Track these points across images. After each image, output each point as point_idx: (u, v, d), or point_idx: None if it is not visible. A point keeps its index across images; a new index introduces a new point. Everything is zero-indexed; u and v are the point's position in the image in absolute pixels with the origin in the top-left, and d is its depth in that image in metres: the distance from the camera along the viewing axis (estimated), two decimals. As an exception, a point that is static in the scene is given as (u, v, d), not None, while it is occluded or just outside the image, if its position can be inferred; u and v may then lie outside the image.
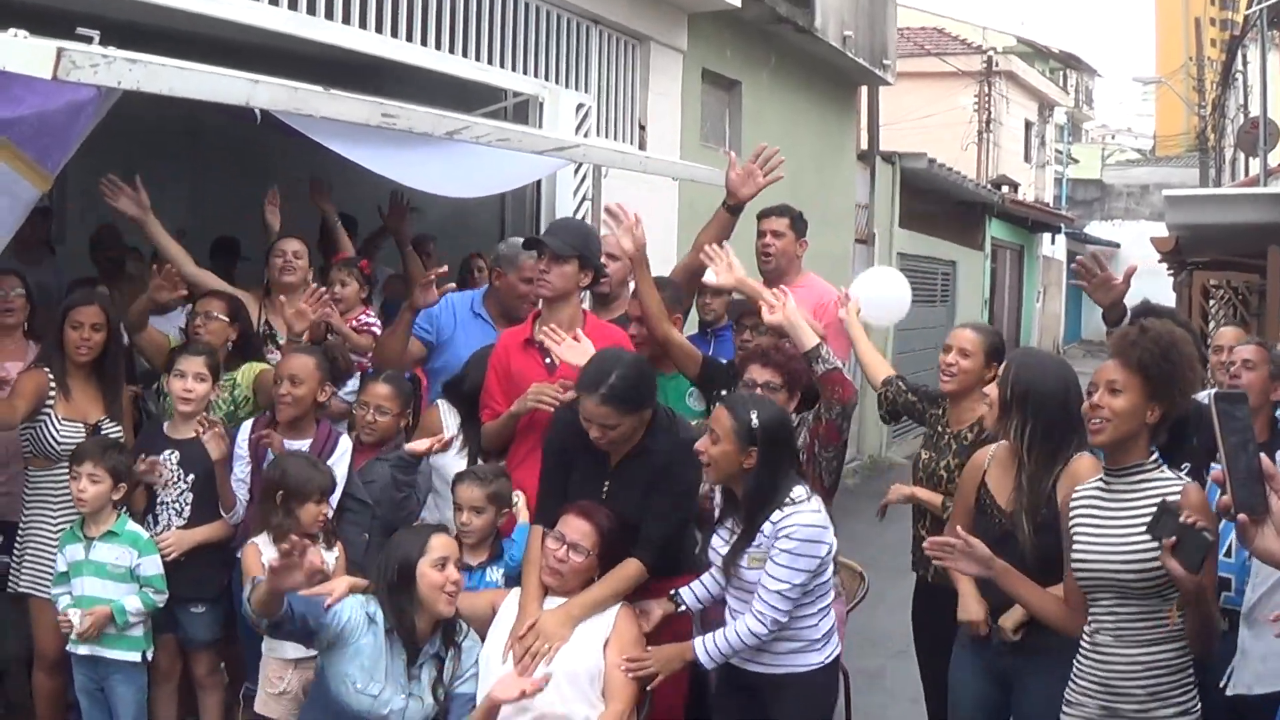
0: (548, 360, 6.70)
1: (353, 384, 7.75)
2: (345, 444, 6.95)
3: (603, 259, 7.48)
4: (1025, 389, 5.42)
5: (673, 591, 6.01)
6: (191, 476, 6.82)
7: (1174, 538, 4.36)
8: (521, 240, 7.84)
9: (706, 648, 5.63)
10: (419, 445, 6.64)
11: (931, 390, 6.87)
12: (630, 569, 5.91)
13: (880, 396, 6.96)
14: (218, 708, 7.13)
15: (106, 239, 9.74)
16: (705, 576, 6.05)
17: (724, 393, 6.88)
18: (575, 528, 5.84)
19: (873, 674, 6.17)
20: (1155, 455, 4.89)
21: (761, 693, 5.73)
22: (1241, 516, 3.61)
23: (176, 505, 6.84)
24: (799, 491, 5.58)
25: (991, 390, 5.74)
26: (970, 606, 5.62)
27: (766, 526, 5.52)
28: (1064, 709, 5.02)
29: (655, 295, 6.96)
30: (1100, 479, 4.95)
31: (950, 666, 5.90)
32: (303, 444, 6.85)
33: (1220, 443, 3.70)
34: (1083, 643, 4.95)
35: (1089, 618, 4.91)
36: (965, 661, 5.78)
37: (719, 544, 5.77)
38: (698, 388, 7.14)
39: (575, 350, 6.42)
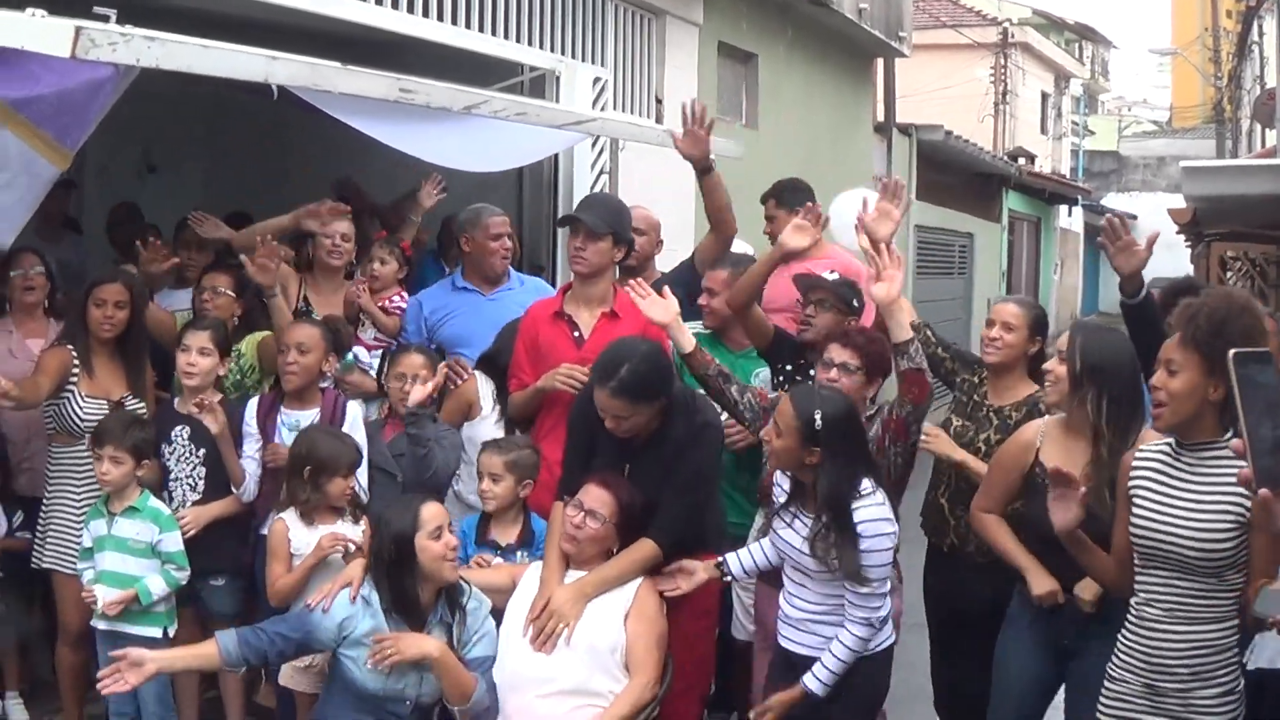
0: (575, 334, 6.73)
1: (366, 359, 7.79)
2: (355, 411, 6.98)
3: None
4: (1096, 362, 5.38)
5: (720, 559, 6.00)
6: (203, 451, 6.83)
7: None
8: (481, 206, 7.98)
9: (818, 676, 5.51)
10: (418, 393, 6.60)
11: (966, 353, 6.81)
12: (645, 549, 5.90)
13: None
14: (239, 682, 7.16)
15: (124, 218, 9.73)
16: (754, 547, 6.05)
17: (788, 367, 6.89)
18: (594, 496, 5.85)
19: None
20: (1230, 434, 4.64)
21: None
22: (1264, 492, 3.39)
23: (190, 480, 6.86)
24: (865, 484, 5.50)
25: (1054, 366, 5.70)
26: (1043, 580, 5.52)
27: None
28: (1105, 684, 4.94)
29: (765, 278, 7.01)
30: (1168, 445, 4.77)
31: (1001, 644, 5.86)
32: (309, 414, 6.89)
33: (1240, 409, 3.41)
34: (1129, 617, 4.85)
35: (1137, 588, 4.80)
36: (1022, 639, 5.74)
37: (781, 527, 5.72)
38: (765, 359, 7.15)
39: (657, 305, 6.39)
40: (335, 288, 8.03)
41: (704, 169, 7.56)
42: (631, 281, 6.55)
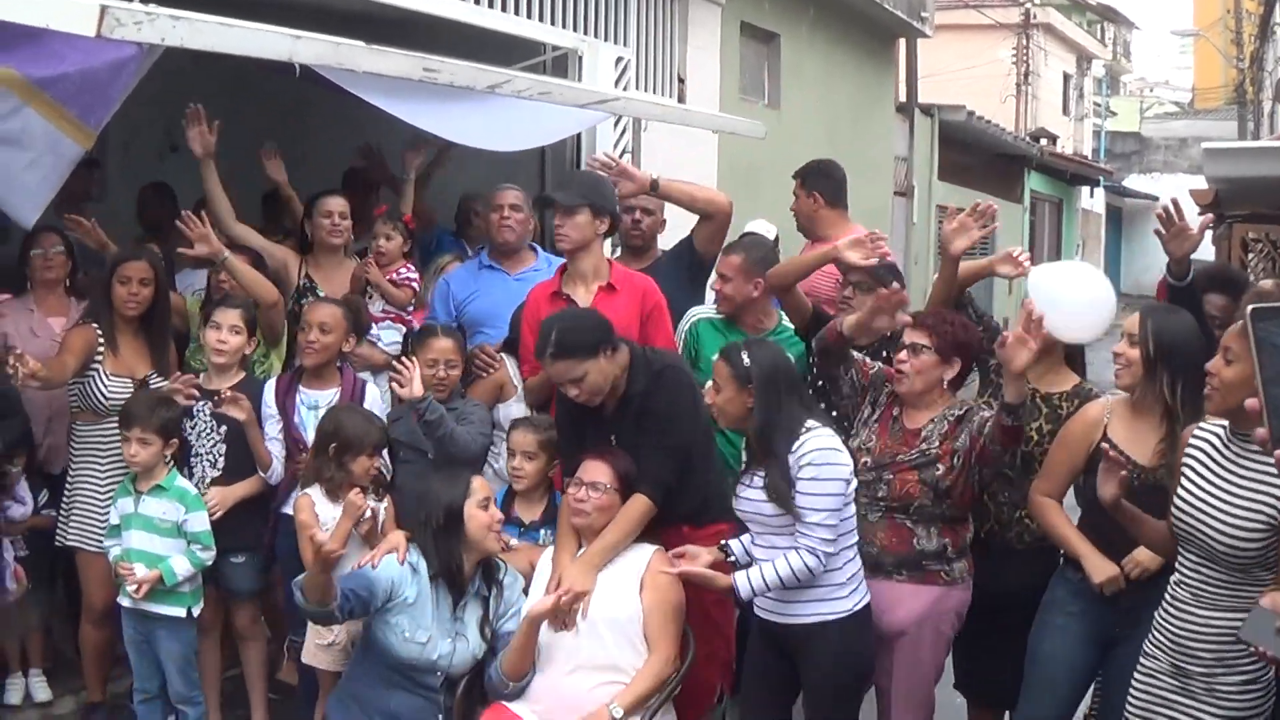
0: None
1: (389, 335, 7.81)
2: (374, 392, 7.04)
3: (638, 214, 7.57)
4: (1169, 345, 5.42)
5: (722, 542, 5.95)
6: (225, 428, 6.85)
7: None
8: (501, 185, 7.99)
9: (750, 579, 5.52)
10: (414, 389, 6.64)
11: (1001, 330, 6.76)
12: (637, 505, 5.93)
13: None
14: (260, 659, 7.23)
15: (152, 200, 9.70)
16: None
17: None
18: (591, 469, 5.91)
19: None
20: None
21: (792, 646, 5.70)
22: (1279, 453, 3.32)
23: (210, 456, 6.88)
24: (811, 422, 5.55)
25: (1124, 349, 5.68)
26: (1103, 566, 5.51)
27: (790, 459, 5.48)
28: (1140, 659, 4.97)
29: (808, 273, 7.11)
30: (1223, 429, 4.72)
31: (1039, 634, 5.85)
32: (328, 393, 6.94)
33: (1257, 367, 3.27)
34: (1165, 595, 4.87)
35: (1175, 566, 4.82)
36: (1068, 630, 5.73)
37: (742, 489, 5.72)
38: (802, 339, 7.13)
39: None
40: (337, 264, 8.07)
41: (651, 189, 7.59)
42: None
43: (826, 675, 5.64)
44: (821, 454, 5.45)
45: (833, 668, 5.63)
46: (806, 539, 5.44)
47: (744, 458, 6.03)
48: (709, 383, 5.87)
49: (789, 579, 5.47)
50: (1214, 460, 4.70)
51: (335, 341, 6.92)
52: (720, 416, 5.76)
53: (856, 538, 5.70)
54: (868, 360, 6.30)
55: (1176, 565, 4.81)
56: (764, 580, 5.50)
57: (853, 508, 5.65)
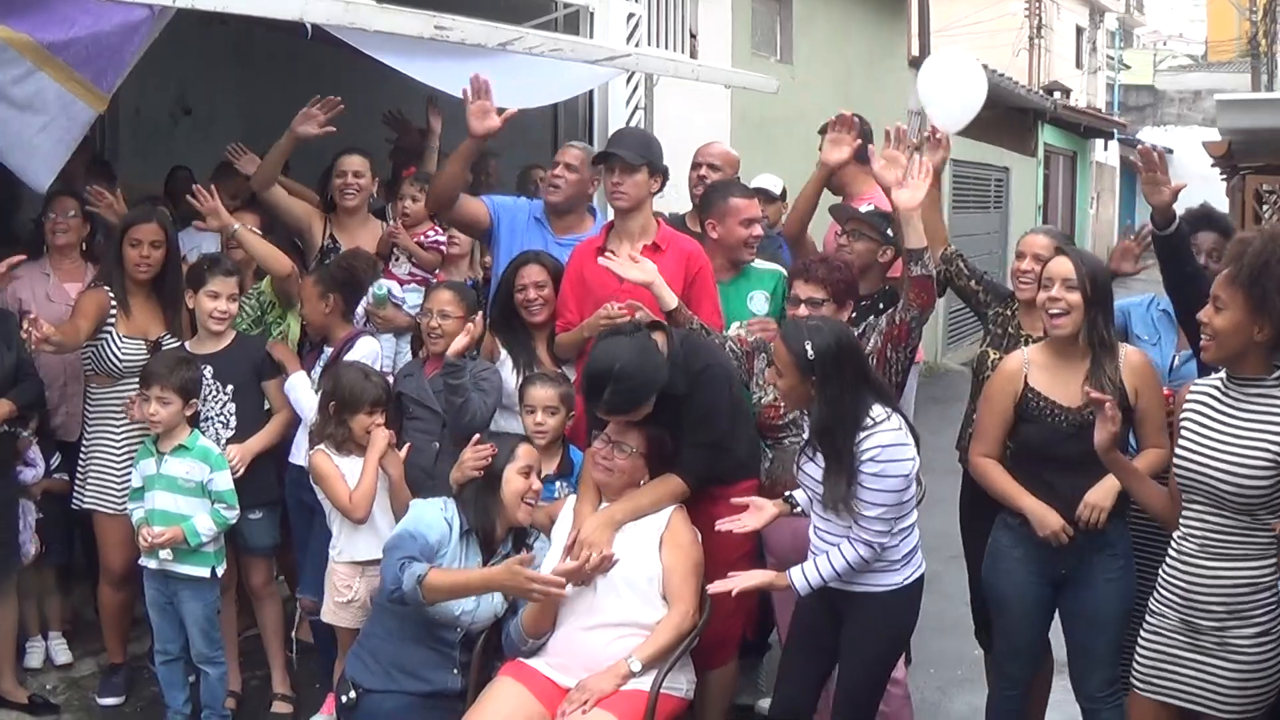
0: None
1: (415, 297, 7.76)
2: (366, 344, 7.04)
3: (703, 170, 7.70)
4: (1104, 285, 5.57)
5: (788, 494, 5.91)
6: (230, 387, 6.89)
7: None
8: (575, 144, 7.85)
9: (807, 574, 5.52)
10: (456, 344, 6.61)
11: (998, 285, 6.76)
12: (673, 484, 5.93)
13: (938, 272, 6.67)
14: (277, 616, 7.27)
15: (183, 185, 9.47)
16: None
17: None
18: (620, 429, 5.88)
19: (930, 578, 6.13)
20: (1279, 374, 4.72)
21: (841, 607, 5.70)
22: None
23: (221, 418, 6.90)
24: (878, 411, 5.44)
25: (1063, 294, 5.67)
26: (1049, 518, 5.57)
27: (854, 450, 5.40)
28: (1146, 618, 5.00)
29: (815, 198, 7.39)
30: (1220, 380, 4.82)
31: (992, 578, 5.95)
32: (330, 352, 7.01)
33: None
34: (1170, 550, 4.90)
35: (1180, 521, 4.85)
36: (1015, 572, 5.80)
37: (805, 462, 5.68)
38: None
39: (635, 269, 6.33)
40: (360, 224, 8.08)
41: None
42: (607, 253, 6.54)
43: (867, 641, 5.67)
44: (886, 451, 5.37)
45: (876, 634, 5.67)
46: (861, 531, 5.44)
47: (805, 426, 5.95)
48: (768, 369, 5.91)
49: (844, 571, 5.48)
50: (1213, 409, 4.78)
51: (311, 311, 7.07)
52: (784, 400, 5.76)
53: (915, 516, 5.70)
54: (742, 335, 6.57)
55: (1181, 519, 4.85)
56: (820, 574, 5.50)
57: (913, 490, 5.60)
